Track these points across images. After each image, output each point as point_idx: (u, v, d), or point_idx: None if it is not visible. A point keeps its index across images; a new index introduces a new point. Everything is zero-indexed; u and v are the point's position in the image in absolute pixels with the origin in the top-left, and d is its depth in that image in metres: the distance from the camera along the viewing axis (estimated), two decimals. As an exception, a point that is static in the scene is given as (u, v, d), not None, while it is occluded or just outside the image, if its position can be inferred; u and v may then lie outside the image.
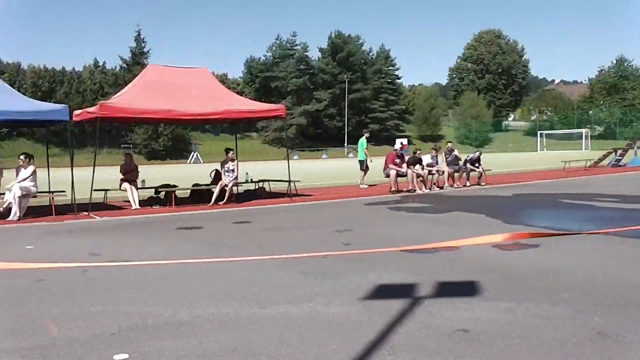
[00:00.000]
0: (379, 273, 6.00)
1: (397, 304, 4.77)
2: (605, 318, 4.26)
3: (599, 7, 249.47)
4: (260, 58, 78.91)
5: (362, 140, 18.55)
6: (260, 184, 16.09)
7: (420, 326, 4.18)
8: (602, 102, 76.90)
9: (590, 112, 76.69)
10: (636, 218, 9.46)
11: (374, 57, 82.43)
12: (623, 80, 76.08)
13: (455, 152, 17.63)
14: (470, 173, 17.36)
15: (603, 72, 79.82)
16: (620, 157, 25.51)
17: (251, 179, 16.06)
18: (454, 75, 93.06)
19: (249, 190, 15.90)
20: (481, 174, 17.41)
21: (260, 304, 4.90)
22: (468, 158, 17.48)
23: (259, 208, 13.22)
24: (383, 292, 5.28)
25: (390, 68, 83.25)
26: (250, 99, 27.47)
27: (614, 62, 79.09)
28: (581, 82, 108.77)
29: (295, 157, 61.42)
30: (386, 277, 5.85)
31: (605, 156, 26.27)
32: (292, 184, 14.94)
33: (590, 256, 6.67)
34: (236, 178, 14.17)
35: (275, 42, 79.24)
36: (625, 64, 77.98)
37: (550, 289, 5.17)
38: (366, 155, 18.04)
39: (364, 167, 18.02)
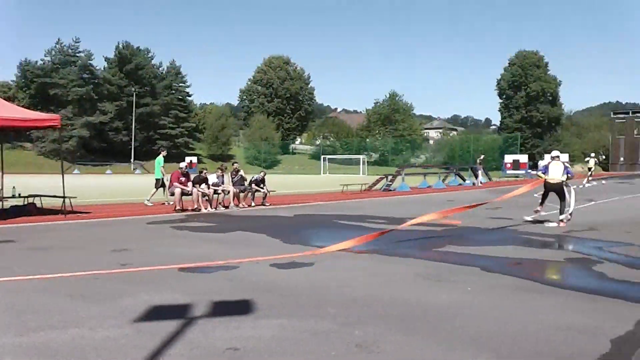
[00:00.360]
0: (154, 293, 5.84)
1: (170, 325, 4.69)
2: (364, 331, 4.66)
3: (376, 44, 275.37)
4: (37, 62, 72.42)
5: (160, 159, 18.43)
6: (31, 200, 14.69)
7: (192, 346, 4.16)
8: (377, 132, 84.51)
9: (368, 140, 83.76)
10: (400, 238, 10.50)
11: (164, 71, 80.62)
12: (395, 113, 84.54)
13: (241, 173, 17.94)
14: (255, 193, 17.78)
15: (378, 104, 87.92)
16: (391, 183, 28.11)
17: (19, 194, 14.59)
18: (245, 97, 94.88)
19: (16, 206, 14.41)
20: (266, 194, 17.93)
21: (18, 332, 4.47)
22: (253, 179, 17.90)
23: (26, 226, 12.06)
24: (157, 313, 5.15)
25: (181, 84, 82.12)
26: (24, 106, 25.02)
27: (387, 96, 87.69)
28: (360, 112, 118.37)
29: (76, 171, 57.23)
30: (161, 297, 5.72)
31: (378, 181, 28.75)
32: (67, 200, 13.88)
33: (358, 274, 7.23)
34: (1, 191, 12.76)
35: (55, 47, 73.50)
36: (397, 99, 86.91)
37: (319, 305, 5.49)
38: (163, 174, 17.96)
39: (159, 185, 17.88)
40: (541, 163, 12.83)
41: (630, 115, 73.28)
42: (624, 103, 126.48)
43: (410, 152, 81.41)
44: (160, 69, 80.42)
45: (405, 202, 19.99)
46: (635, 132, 70.63)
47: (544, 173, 12.50)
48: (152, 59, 78.41)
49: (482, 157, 37.30)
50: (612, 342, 4.44)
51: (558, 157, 12.94)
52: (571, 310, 5.43)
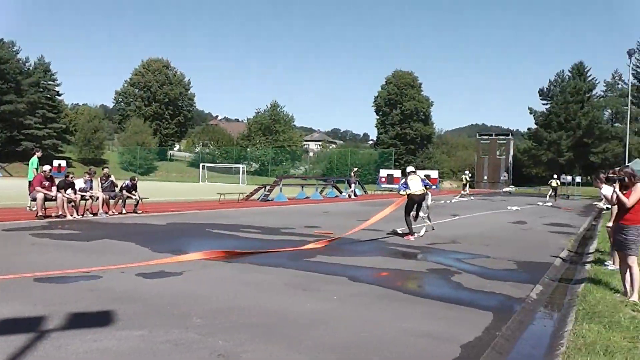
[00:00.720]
0: (3, 305, 5.45)
1: (19, 339, 4.41)
2: (229, 340, 4.65)
3: (258, 54, 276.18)
4: None
5: (34, 160, 17.23)
6: None
7: (42, 361, 3.94)
8: (258, 141, 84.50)
9: (248, 149, 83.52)
10: (270, 247, 10.57)
11: (31, 68, 75.39)
12: (276, 124, 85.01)
13: (112, 178, 17.21)
14: (127, 200, 17.12)
15: (259, 114, 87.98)
16: (268, 193, 28.22)
17: None
18: (121, 99, 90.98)
19: None
20: (138, 201, 17.30)
21: None
22: (124, 185, 17.21)
23: None
24: (7, 326, 4.81)
25: (50, 82, 77.03)
26: None
27: (269, 106, 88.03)
28: (241, 120, 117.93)
29: None
30: (12, 309, 5.35)
31: (256, 191, 28.73)
32: None
33: (227, 283, 7.19)
34: None
35: None
36: (278, 109, 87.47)
37: (185, 315, 5.40)
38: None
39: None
40: (400, 181, 13.39)
41: (494, 137, 79.06)
42: (489, 125, 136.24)
43: (290, 163, 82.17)
44: (27, 64, 75.10)
45: (281, 213, 20.14)
46: (498, 153, 76.30)
47: (406, 189, 13.08)
48: (18, 53, 73.06)
49: (355, 169, 38.51)
50: (462, 347, 4.78)
51: (414, 171, 13.63)
52: (429, 318, 5.77)
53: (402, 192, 13.11)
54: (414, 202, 13.10)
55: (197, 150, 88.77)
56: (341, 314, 5.75)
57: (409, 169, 13.87)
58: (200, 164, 67.94)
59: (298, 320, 5.44)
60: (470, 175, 46.66)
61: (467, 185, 42.64)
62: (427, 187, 13.35)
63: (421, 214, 13.88)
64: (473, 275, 8.39)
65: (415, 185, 13.03)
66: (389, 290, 7.07)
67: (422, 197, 13.11)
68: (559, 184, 41.44)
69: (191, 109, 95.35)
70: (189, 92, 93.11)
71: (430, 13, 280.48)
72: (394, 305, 6.26)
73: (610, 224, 8.62)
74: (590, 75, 78.38)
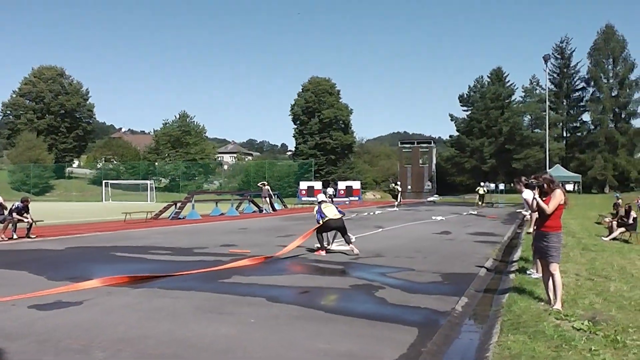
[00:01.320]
0: None
1: None
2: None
3: (163, 61, 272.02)
4: None
5: None
6: None
7: None
8: (167, 155, 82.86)
9: (157, 163, 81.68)
10: (181, 270, 10.37)
11: None
12: (186, 135, 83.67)
13: (0, 200, 16.38)
14: (18, 224, 16.32)
15: (167, 125, 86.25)
16: (180, 210, 27.70)
17: None
18: (9, 112, 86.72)
19: None
20: (31, 224, 16.53)
21: None
22: (14, 207, 16.39)
23: None
24: None
25: None
26: None
27: (178, 116, 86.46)
28: (148, 132, 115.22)
29: None
30: None
31: (166, 208, 28.14)
32: None
33: (133, 310, 6.99)
34: None
35: None
36: (188, 120, 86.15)
37: (85, 348, 5.22)
38: None
39: None
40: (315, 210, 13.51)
41: (416, 145, 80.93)
42: (411, 133, 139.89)
43: (203, 177, 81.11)
44: None
45: (193, 231, 19.81)
46: (420, 161, 78.38)
47: (322, 218, 13.20)
48: None
49: (264, 182, 38.64)
50: (386, 365, 4.85)
51: (325, 200, 13.88)
52: (351, 336, 5.83)
53: (320, 222, 13.21)
54: (330, 228, 13.25)
55: (99, 166, 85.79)
56: (258, 338, 5.72)
57: (320, 197, 14.08)
58: (103, 181, 65.86)
59: (212, 347, 5.36)
60: (400, 185, 48.74)
61: (400, 196, 44.55)
62: (341, 214, 13.55)
63: (352, 238, 13.90)
64: (397, 290, 8.56)
65: (331, 211, 13.25)
66: (309, 310, 7.10)
67: (340, 222, 13.25)
68: (486, 191, 43.63)
69: (91, 120, 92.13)
70: (88, 102, 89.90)
71: (345, 18, 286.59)
72: (314, 325, 6.29)
73: (531, 230, 9.06)
74: (508, 81, 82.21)
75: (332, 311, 7.13)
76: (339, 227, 13.27)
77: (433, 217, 27.49)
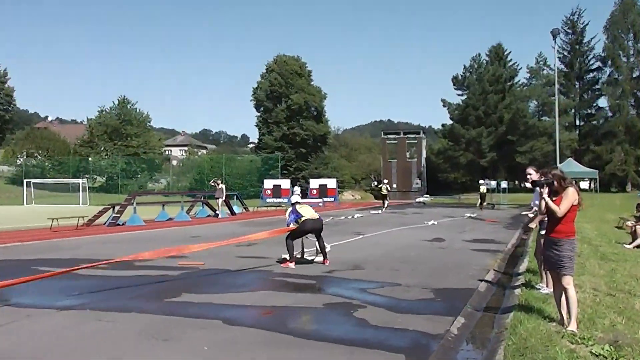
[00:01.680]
0: None
1: None
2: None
3: (98, 37, 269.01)
4: None
5: None
6: None
7: None
8: (103, 148, 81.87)
9: (90, 159, 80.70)
10: (122, 286, 10.23)
11: None
12: (126, 125, 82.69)
13: None
14: None
15: (104, 113, 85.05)
16: (118, 215, 27.32)
17: None
18: None
19: None
20: None
21: None
22: None
23: None
24: None
25: None
26: None
27: (116, 103, 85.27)
28: (81, 122, 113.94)
29: None
30: None
31: (101, 213, 27.75)
32: None
33: (58, 336, 6.87)
34: None
35: None
36: (129, 106, 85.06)
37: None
38: None
39: None
40: (288, 213, 13.53)
41: (402, 136, 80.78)
42: (396, 122, 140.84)
43: (147, 174, 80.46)
44: None
45: (135, 240, 19.59)
46: (408, 155, 78.48)
47: (299, 218, 13.17)
48: None
49: (213, 181, 38.03)
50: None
51: (299, 202, 13.89)
52: (325, 365, 5.77)
53: (292, 226, 13.13)
54: (307, 231, 13.21)
55: (19, 162, 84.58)
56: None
57: (293, 199, 14.05)
58: (25, 180, 64.89)
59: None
60: (388, 185, 48.42)
61: (387, 197, 44.37)
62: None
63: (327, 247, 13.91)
64: (381, 309, 8.54)
65: (308, 211, 13.26)
66: (275, 334, 7.05)
67: (319, 223, 13.25)
68: (487, 189, 43.96)
69: (10, 107, 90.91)
70: (6, 86, 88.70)
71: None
72: (280, 353, 6.25)
73: (533, 225, 9.03)
74: (510, 60, 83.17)
75: (302, 335, 7.08)
76: (316, 230, 13.24)
77: (425, 222, 27.62)
